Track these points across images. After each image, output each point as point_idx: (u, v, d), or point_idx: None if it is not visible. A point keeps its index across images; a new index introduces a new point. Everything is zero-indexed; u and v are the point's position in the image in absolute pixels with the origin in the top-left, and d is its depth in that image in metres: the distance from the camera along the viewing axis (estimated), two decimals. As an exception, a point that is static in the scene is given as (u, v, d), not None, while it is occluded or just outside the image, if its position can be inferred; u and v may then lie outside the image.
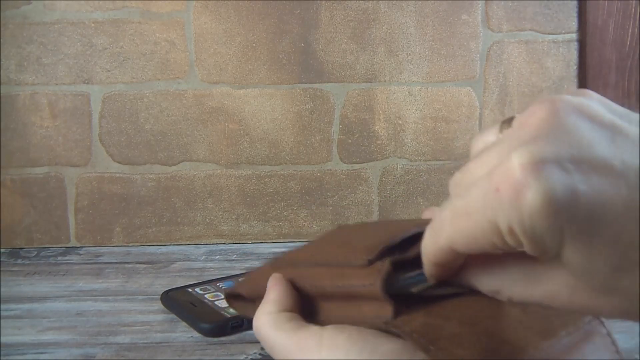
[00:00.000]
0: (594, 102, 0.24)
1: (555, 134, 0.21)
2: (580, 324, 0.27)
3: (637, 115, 0.24)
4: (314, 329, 0.28)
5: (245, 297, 0.36)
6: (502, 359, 0.24)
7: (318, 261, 0.31)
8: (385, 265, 0.27)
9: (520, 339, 0.25)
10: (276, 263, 0.34)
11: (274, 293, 0.30)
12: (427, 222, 0.30)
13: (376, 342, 0.26)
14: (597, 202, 0.20)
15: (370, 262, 0.28)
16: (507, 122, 0.26)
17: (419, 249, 0.27)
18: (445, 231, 0.23)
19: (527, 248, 0.21)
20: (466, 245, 0.23)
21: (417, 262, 0.28)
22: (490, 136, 0.27)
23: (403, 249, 0.29)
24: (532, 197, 0.20)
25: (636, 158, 0.21)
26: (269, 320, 0.29)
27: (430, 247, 0.25)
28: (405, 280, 0.28)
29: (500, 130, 0.26)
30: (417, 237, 0.29)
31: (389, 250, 0.29)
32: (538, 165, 0.20)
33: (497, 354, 0.24)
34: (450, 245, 0.23)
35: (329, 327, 0.27)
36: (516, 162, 0.21)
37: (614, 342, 0.27)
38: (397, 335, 0.26)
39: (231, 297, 0.37)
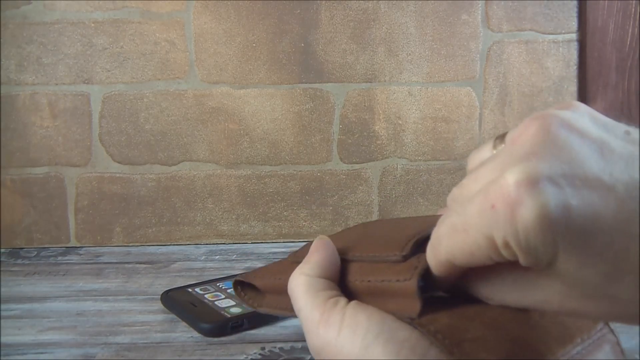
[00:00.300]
0: (583, 115, 0.25)
1: (547, 150, 0.22)
2: (593, 332, 0.27)
3: (622, 127, 0.25)
4: (341, 303, 0.28)
5: (257, 288, 0.36)
6: None
7: (344, 256, 0.31)
8: (421, 261, 0.27)
9: (540, 343, 0.25)
10: (295, 258, 0.34)
11: (318, 256, 0.30)
12: None
13: (394, 326, 0.26)
14: (588, 216, 0.21)
15: (405, 258, 0.28)
16: (500, 138, 0.27)
17: None
18: (443, 246, 0.24)
19: (521, 260, 0.22)
20: (464, 259, 0.24)
21: None
22: (485, 152, 0.28)
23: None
24: (526, 213, 0.21)
25: (624, 172, 0.22)
26: (305, 282, 0.29)
27: (432, 261, 0.26)
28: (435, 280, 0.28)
29: (494, 147, 0.28)
30: None
31: (419, 246, 0.29)
32: (532, 182, 0.21)
33: (518, 355, 0.24)
34: (449, 259, 0.24)
35: (352, 303, 0.28)
36: (510, 180, 0.21)
37: (622, 351, 0.28)
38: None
39: (239, 284, 0.37)
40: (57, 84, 0.74)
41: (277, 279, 0.34)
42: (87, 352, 0.48)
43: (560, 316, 0.27)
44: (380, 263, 0.29)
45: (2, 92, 0.73)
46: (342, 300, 0.28)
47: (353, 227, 0.38)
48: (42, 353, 0.48)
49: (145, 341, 0.50)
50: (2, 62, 0.73)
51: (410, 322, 0.26)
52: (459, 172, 0.76)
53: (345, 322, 0.27)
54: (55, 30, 0.73)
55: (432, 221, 0.30)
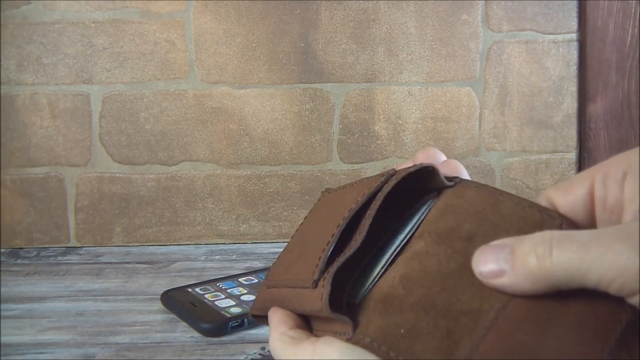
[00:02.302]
0: None
1: None
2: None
3: None
4: (310, 340, 0.28)
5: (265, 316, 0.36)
6: (461, 336, 0.23)
7: (283, 282, 0.31)
8: (325, 288, 0.26)
9: (475, 301, 0.24)
10: (267, 283, 0.33)
11: (276, 316, 0.31)
12: (361, 188, 0.29)
13: (361, 351, 0.26)
14: None
15: (316, 283, 0.27)
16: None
17: (357, 244, 0.27)
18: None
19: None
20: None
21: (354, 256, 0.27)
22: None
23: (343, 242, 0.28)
24: None
25: None
26: (279, 339, 0.30)
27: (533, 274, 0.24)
28: (350, 289, 0.28)
29: None
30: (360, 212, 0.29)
31: (330, 257, 0.28)
32: None
33: (456, 333, 0.24)
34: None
35: (322, 338, 0.27)
36: None
37: None
38: None
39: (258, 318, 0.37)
40: (57, 84, 0.74)
41: (264, 308, 0.33)
42: (87, 352, 0.48)
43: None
44: (300, 289, 0.28)
45: (2, 92, 0.73)
46: (311, 337, 0.29)
47: (311, 213, 0.36)
48: (42, 353, 0.48)
49: (145, 341, 0.50)
50: (2, 62, 0.73)
51: (348, 340, 0.26)
52: (459, 172, 0.76)
53: (316, 354, 0.27)
54: (55, 30, 0.73)
55: (336, 215, 0.29)
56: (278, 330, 0.30)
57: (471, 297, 0.25)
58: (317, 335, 0.29)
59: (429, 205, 0.30)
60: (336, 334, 0.27)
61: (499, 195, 0.28)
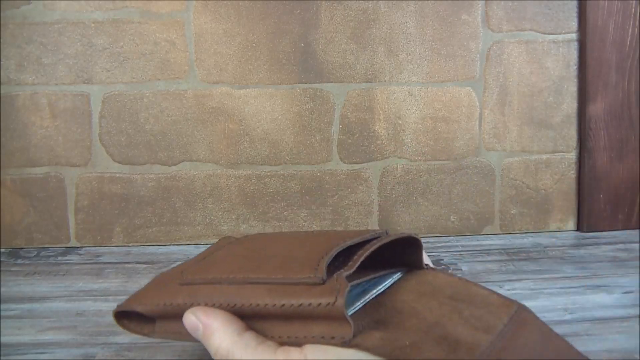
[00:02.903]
0: None
1: None
2: (511, 313, 0.29)
3: None
4: (293, 349, 0.27)
5: (144, 315, 0.34)
6: (463, 354, 0.25)
7: (248, 278, 0.30)
8: (342, 283, 0.27)
9: (469, 336, 0.26)
10: (184, 280, 0.33)
11: (221, 318, 0.29)
12: (349, 234, 0.31)
13: (366, 354, 0.26)
14: None
15: (323, 280, 0.27)
16: None
17: (356, 264, 0.29)
18: None
19: None
20: None
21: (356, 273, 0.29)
22: None
23: (337, 263, 0.30)
24: None
25: None
26: (239, 343, 0.28)
27: None
28: (353, 296, 0.29)
29: None
30: (345, 251, 0.31)
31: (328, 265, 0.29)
32: None
33: (455, 355, 0.25)
34: None
35: (308, 347, 0.27)
36: None
37: (544, 323, 0.29)
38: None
39: (122, 315, 0.36)
40: (57, 84, 0.74)
41: (169, 306, 0.32)
42: (87, 352, 0.48)
43: (478, 310, 0.28)
44: (294, 285, 0.28)
45: (2, 92, 0.73)
46: (290, 348, 0.27)
47: (225, 246, 0.37)
48: (42, 353, 0.48)
49: (145, 341, 0.50)
50: (2, 62, 0.73)
51: (344, 344, 0.26)
52: (459, 172, 0.76)
53: None
54: (55, 30, 0.73)
55: (330, 239, 0.31)
56: (232, 331, 0.28)
57: (466, 330, 0.27)
58: (279, 341, 0.28)
59: (402, 272, 0.35)
60: (324, 339, 0.27)
61: (466, 281, 0.32)
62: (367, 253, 0.30)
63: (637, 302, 0.54)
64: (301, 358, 0.26)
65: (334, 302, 0.26)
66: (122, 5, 0.73)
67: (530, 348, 0.26)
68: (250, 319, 0.29)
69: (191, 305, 0.31)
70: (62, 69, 0.74)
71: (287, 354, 0.27)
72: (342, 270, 0.28)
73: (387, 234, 0.33)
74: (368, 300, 0.31)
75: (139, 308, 0.34)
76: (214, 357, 0.29)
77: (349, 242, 0.31)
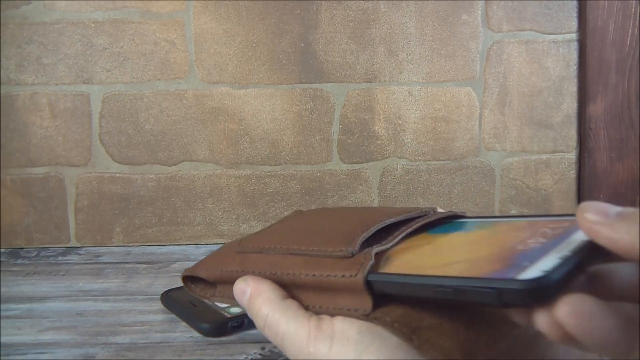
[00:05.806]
0: None
1: None
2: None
3: None
4: (325, 318, 0.28)
5: (206, 280, 0.36)
6: (481, 347, 0.25)
7: (291, 249, 0.31)
8: (368, 258, 0.27)
9: (495, 328, 0.26)
10: (240, 248, 0.35)
11: (268, 284, 0.31)
12: (397, 211, 0.31)
13: (386, 334, 0.26)
14: None
15: (352, 254, 0.28)
16: None
17: (395, 239, 0.29)
18: None
19: None
20: None
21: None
22: None
23: (379, 238, 0.30)
24: None
25: None
26: (281, 306, 0.29)
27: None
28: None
29: None
30: (390, 227, 0.31)
31: (365, 241, 0.29)
32: None
33: (477, 343, 0.25)
34: None
35: (339, 318, 0.28)
36: None
37: None
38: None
39: (189, 279, 0.37)
40: (57, 84, 0.74)
41: (224, 272, 0.34)
42: (87, 352, 0.48)
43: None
44: (326, 258, 0.29)
45: (2, 92, 0.73)
46: (324, 316, 0.29)
47: (290, 218, 0.39)
48: (42, 353, 0.48)
49: (145, 341, 0.50)
50: (2, 62, 0.73)
51: (366, 316, 0.27)
52: (459, 172, 0.76)
53: (336, 337, 0.27)
54: (55, 30, 0.73)
55: (377, 215, 0.31)
56: (271, 297, 0.30)
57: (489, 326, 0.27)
58: (313, 311, 0.29)
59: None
60: (349, 311, 0.27)
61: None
62: (409, 229, 0.31)
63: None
64: (330, 327, 0.28)
65: (355, 275, 0.27)
66: (122, 5, 0.73)
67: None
68: (289, 289, 0.31)
69: (243, 273, 0.33)
70: (62, 69, 0.74)
71: (319, 322, 0.28)
72: (375, 246, 0.29)
73: (434, 212, 0.33)
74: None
75: (202, 274, 0.36)
76: (256, 321, 0.31)
77: (392, 220, 0.31)
